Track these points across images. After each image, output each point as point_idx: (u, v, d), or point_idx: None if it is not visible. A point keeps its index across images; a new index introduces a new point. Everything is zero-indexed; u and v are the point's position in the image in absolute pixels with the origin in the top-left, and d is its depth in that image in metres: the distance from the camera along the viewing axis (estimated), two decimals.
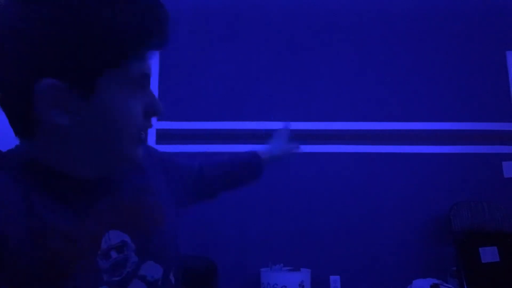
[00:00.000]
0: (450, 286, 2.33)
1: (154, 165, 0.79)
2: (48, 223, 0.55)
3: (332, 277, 2.66)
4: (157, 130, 2.82)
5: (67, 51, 0.53)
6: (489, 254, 2.45)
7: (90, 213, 0.60)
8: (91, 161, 0.62)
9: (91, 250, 0.58)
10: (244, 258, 2.67)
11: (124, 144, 0.61)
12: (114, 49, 0.55)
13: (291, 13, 3.06)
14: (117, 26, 0.54)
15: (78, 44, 0.53)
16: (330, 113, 2.90)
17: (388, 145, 2.85)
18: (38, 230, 0.54)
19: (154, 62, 2.93)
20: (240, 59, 2.98)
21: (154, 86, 2.91)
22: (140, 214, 0.67)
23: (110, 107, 0.57)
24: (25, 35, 0.52)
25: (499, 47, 3.00)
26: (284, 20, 3.05)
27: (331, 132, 2.87)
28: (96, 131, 0.58)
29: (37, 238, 0.54)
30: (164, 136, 2.80)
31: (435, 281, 2.32)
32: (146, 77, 0.60)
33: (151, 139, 2.80)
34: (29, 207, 0.55)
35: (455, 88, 2.94)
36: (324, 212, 2.76)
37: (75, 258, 0.56)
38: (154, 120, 0.65)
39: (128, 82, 0.58)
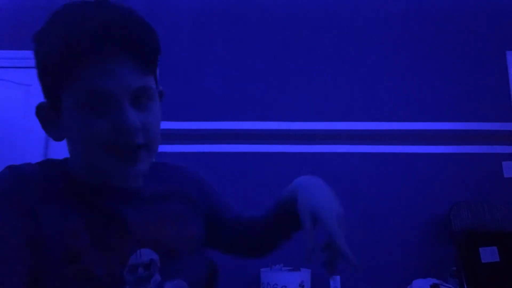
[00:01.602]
0: (450, 286, 2.33)
1: (187, 186, 0.78)
2: (80, 227, 0.59)
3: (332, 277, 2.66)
4: None
5: (40, 78, 0.64)
6: (489, 254, 2.45)
7: (122, 226, 0.63)
8: (88, 172, 0.65)
9: (119, 262, 0.60)
10: None
11: (95, 160, 0.61)
12: (55, 73, 0.60)
13: (291, 13, 3.06)
14: (52, 54, 0.59)
15: (41, 72, 0.63)
16: (330, 113, 2.90)
17: (388, 145, 2.85)
18: (69, 231, 0.58)
19: None
20: (240, 59, 2.98)
21: None
22: (172, 236, 0.68)
23: (71, 125, 0.61)
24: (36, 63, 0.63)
25: (499, 47, 3.00)
26: (284, 20, 3.05)
27: (331, 132, 2.87)
28: (73, 148, 0.64)
29: (67, 239, 0.57)
30: (164, 136, 2.79)
31: (435, 281, 2.32)
32: (101, 94, 0.58)
33: None
34: (65, 209, 0.59)
35: (455, 88, 2.94)
36: None
37: (102, 263, 0.58)
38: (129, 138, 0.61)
39: (82, 101, 0.59)
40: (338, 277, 2.66)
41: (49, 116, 0.64)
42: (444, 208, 2.67)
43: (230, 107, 2.89)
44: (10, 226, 0.55)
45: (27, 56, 2.61)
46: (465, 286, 2.36)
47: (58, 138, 0.65)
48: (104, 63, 0.58)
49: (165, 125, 2.81)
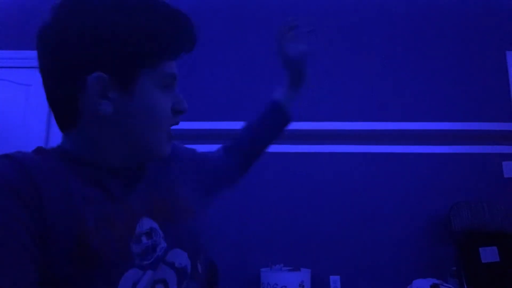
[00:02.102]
0: (450, 286, 2.33)
1: (182, 159, 0.86)
2: (85, 207, 0.60)
3: (332, 277, 2.66)
4: None
5: (114, 49, 0.62)
6: (489, 254, 2.45)
7: (125, 200, 0.65)
8: (123, 152, 0.67)
9: (126, 235, 0.62)
10: (244, 258, 2.67)
11: (157, 137, 0.68)
12: (152, 51, 0.64)
13: (291, 13, 3.05)
14: (154, 31, 0.63)
15: (123, 44, 0.62)
16: (330, 113, 2.90)
17: (388, 145, 2.85)
18: (75, 212, 0.59)
19: None
20: (240, 59, 2.98)
21: None
22: (169, 204, 0.72)
23: (147, 102, 0.65)
24: (82, 34, 0.61)
25: (499, 47, 3.00)
26: (284, 20, 3.04)
27: (331, 132, 2.87)
28: (134, 123, 0.65)
29: (74, 219, 0.58)
30: None
31: (435, 281, 2.32)
32: (175, 77, 0.70)
33: None
34: (68, 189, 0.60)
35: (455, 88, 2.95)
36: (324, 212, 2.76)
37: (108, 241, 0.59)
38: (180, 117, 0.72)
39: (161, 80, 0.66)
40: (338, 277, 2.66)
41: (105, 89, 0.62)
42: (444, 208, 2.67)
43: (230, 107, 2.89)
44: (16, 219, 0.54)
45: (27, 56, 2.65)
46: (465, 286, 2.36)
47: (108, 111, 0.63)
48: (181, 52, 0.70)
49: None
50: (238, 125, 2.92)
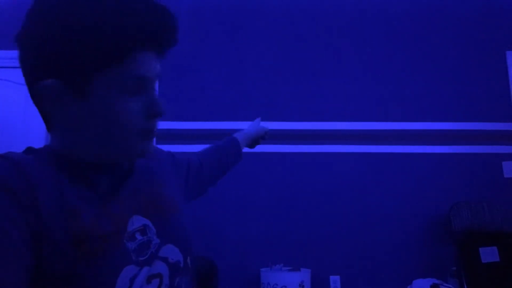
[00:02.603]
0: (450, 286, 2.33)
1: (163, 161, 0.86)
2: (77, 204, 0.60)
3: (332, 277, 2.66)
4: (157, 130, 2.82)
5: (65, 54, 0.59)
6: (489, 254, 2.45)
7: (115, 198, 0.66)
8: (98, 152, 0.66)
9: (118, 232, 0.62)
10: (244, 258, 2.67)
11: (124, 141, 0.65)
12: (105, 52, 0.59)
13: (291, 14, 3.06)
14: (103, 34, 0.58)
15: (73, 50, 0.59)
16: (330, 113, 2.90)
17: (388, 145, 2.85)
18: (68, 210, 0.59)
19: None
20: (240, 59, 2.98)
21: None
22: (158, 201, 0.72)
23: (105, 107, 0.62)
24: (35, 41, 0.62)
25: (499, 47, 3.00)
26: (284, 20, 3.05)
27: (331, 132, 2.87)
28: (96, 127, 0.63)
29: (68, 217, 0.58)
30: (164, 136, 2.80)
31: (435, 281, 2.32)
32: (144, 79, 0.63)
33: None
34: (60, 189, 0.60)
35: (455, 88, 2.95)
36: (324, 212, 2.76)
37: (104, 238, 0.59)
38: (157, 120, 0.68)
39: (122, 84, 0.61)
40: (338, 277, 2.66)
41: (61, 97, 0.61)
42: (444, 208, 2.67)
43: (230, 107, 2.89)
44: (10, 219, 0.54)
45: None
46: (465, 286, 2.36)
47: (65, 121, 0.63)
48: (154, 51, 0.64)
49: (165, 125, 2.83)
50: (238, 125, 2.94)
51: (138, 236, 0.64)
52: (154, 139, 0.80)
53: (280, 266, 2.55)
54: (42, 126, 2.66)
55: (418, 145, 2.85)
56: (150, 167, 0.79)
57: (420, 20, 3.05)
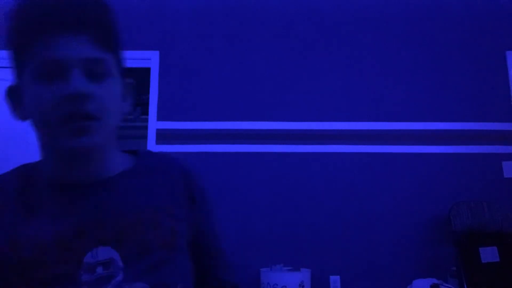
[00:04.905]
0: (450, 286, 2.33)
1: (173, 180, 0.73)
2: (24, 230, 0.60)
3: (332, 277, 2.66)
4: (157, 130, 2.83)
5: (9, 57, 0.65)
6: (489, 254, 2.45)
7: (73, 223, 0.61)
8: (45, 149, 0.66)
9: (67, 261, 0.59)
10: (244, 258, 2.67)
11: (49, 131, 0.62)
12: (15, 46, 0.63)
13: (291, 14, 3.06)
14: (13, 29, 0.62)
15: (8, 51, 0.64)
16: (330, 113, 2.90)
17: (388, 145, 2.85)
18: (14, 237, 0.59)
19: (154, 62, 2.93)
20: (240, 59, 2.98)
21: (154, 86, 2.91)
22: (140, 231, 0.63)
23: (28, 98, 0.62)
24: None
25: (499, 47, 3.00)
26: (284, 21, 3.05)
27: (331, 132, 2.87)
28: (32, 120, 0.63)
29: (13, 245, 0.58)
30: (164, 136, 2.80)
31: (435, 281, 2.32)
32: (52, 63, 0.60)
33: (151, 139, 2.80)
34: (11, 213, 0.61)
35: (455, 88, 2.95)
36: (324, 212, 2.76)
37: (52, 268, 0.57)
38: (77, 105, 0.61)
39: (37, 69, 0.60)
40: (338, 277, 2.66)
41: (16, 95, 0.65)
42: (444, 208, 2.67)
43: (230, 107, 2.89)
44: None
45: None
46: (465, 286, 2.36)
47: (22, 117, 0.65)
48: (57, 35, 0.60)
49: (166, 125, 2.83)
50: (238, 125, 2.94)
51: (99, 270, 0.59)
52: (154, 140, 0.75)
53: (280, 266, 2.55)
54: None
55: (418, 145, 2.85)
56: (146, 185, 0.69)
57: (420, 20, 3.05)
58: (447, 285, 2.32)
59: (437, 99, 2.93)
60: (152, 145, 2.78)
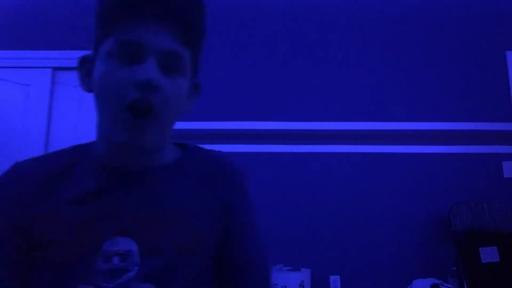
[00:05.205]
0: (450, 286, 2.33)
1: (215, 183, 0.69)
2: (48, 209, 0.60)
3: (332, 277, 2.66)
4: None
5: (94, 29, 0.65)
6: (489, 254, 2.45)
7: (98, 207, 0.61)
8: (102, 133, 0.65)
9: (85, 245, 0.58)
10: None
11: (113, 115, 0.59)
12: (101, 21, 0.63)
13: (291, 14, 3.06)
14: (98, 5, 0.63)
15: (95, 21, 0.64)
16: (330, 113, 2.90)
17: (388, 145, 2.85)
18: (35, 216, 0.60)
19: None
20: (240, 59, 2.98)
21: None
22: (160, 229, 0.60)
23: (98, 76, 0.61)
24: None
25: (499, 47, 3.00)
26: (284, 20, 3.05)
27: (331, 132, 2.87)
28: (96, 101, 0.63)
29: (29, 225, 0.59)
30: None
31: (435, 281, 2.32)
32: (131, 44, 0.59)
33: None
34: (44, 192, 0.61)
35: (455, 88, 2.95)
36: (324, 212, 2.76)
37: (61, 247, 0.57)
38: (148, 94, 0.59)
39: (115, 49, 0.60)
40: (338, 277, 2.66)
41: (87, 67, 0.66)
42: (444, 208, 2.67)
43: (230, 107, 2.89)
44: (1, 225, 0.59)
45: (27, 56, 2.64)
46: (465, 286, 2.36)
47: (87, 89, 0.66)
48: (142, 20, 0.60)
49: None
50: (238, 125, 2.94)
51: (115, 261, 0.57)
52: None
53: (280, 266, 2.55)
54: (42, 126, 2.66)
55: (418, 145, 2.85)
56: (184, 183, 0.66)
57: (420, 20, 3.05)
58: (447, 285, 2.32)
59: (437, 99, 2.93)
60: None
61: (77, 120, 2.86)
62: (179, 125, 2.85)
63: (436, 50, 3.00)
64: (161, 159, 0.67)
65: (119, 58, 0.59)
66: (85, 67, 0.66)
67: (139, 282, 0.56)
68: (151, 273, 0.57)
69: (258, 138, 2.82)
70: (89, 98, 2.89)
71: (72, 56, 2.91)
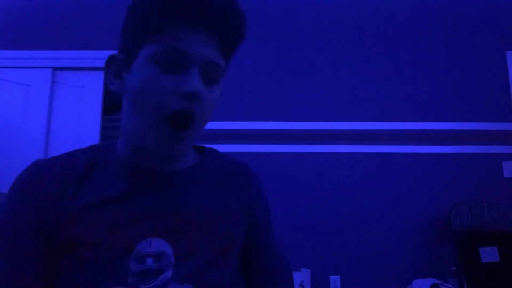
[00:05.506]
0: (450, 286, 2.33)
1: (237, 186, 0.72)
2: (82, 208, 0.59)
3: (332, 277, 2.66)
4: None
5: (124, 28, 0.63)
6: (489, 254, 2.45)
7: (131, 208, 0.61)
8: (136, 137, 0.63)
9: (121, 249, 0.57)
10: None
11: (152, 123, 0.59)
12: (144, 25, 0.60)
13: (291, 13, 3.06)
14: (148, 6, 0.60)
15: (128, 22, 0.62)
16: (330, 113, 2.90)
17: (388, 145, 2.85)
18: (69, 215, 0.58)
19: None
20: (239, 59, 2.98)
21: None
22: (192, 231, 0.62)
23: (139, 81, 0.60)
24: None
25: (499, 47, 3.00)
26: (284, 20, 3.05)
27: (331, 132, 2.87)
28: (132, 105, 0.61)
29: (64, 223, 0.58)
30: None
31: (435, 281, 2.32)
32: (178, 53, 0.59)
33: None
34: (73, 191, 0.60)
35: (455, 88, 2.95)
36: (324, 212, 2.76)
37: (94, 247, 0.57)
38: (191, 104, 0.60)
39: (160, 55, 0.59)
40: (338, 277, 2.66)
41: (119, 68, 0.64)
42: (444, 208, 2.67)
43: (229, 107, 2.89)
44: (21, 216, 0.58)
45: (27, 56, 2.65)
46: (465, 286, 2.36)
47: (118, 90, 0.65)
48: (191, 28, 0.59)
49: None
50: (238, 125, 2.94)
51: (149, 262, 0.57)
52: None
53: None
54: (42, 126, 2.67)
55: (418, 145, 2.85)
56: (209, 186, 0.68)
57: (420, 20, 3.05)
58: (447, 285, 2.32)
59: (437, 99, 2.93)
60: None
61: (77, 120, 2.85)
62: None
63: (436, 50, 3.00)
64: (184, 162, 0.69)
65: (162, 65, 0.59)
66: (113, 68, 0.65)
67: (178, 283, 0.57)
68: (189, 274, 0.58)
69: (258, 138, 2.82)
70: (89, 98, 2.89)
71: (72, 56, 2.91)
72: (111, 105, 3.25)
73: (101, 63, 3.32)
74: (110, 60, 0.65)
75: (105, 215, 0.59)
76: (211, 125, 3.22)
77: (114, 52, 0.67)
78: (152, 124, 0.59)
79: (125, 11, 0.63)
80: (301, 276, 2.43)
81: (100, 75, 2.91)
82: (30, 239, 0.57)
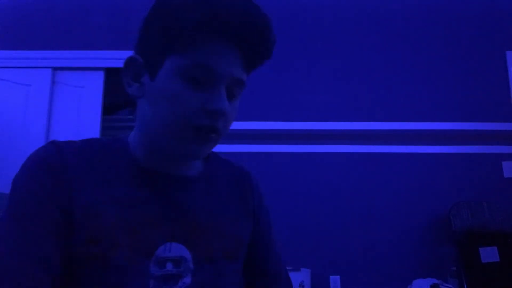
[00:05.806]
0: (450, 286, 2.33)
1: (242, 191, 0.76)
2: (103, 204, 0.58)
3: (332, 277, 2.66)
4: None
5: (148, 33, 0.62)
6: (489, 254, 2.45)
7: (150, 212, 0.60)
8: (155, 143, 0.63)
9: (142, 252, 0.57)
10: None
11: (175, 132, 0.60)
12: (172, 36, 0.59)
13: (291, 13, 3.06)
14: (176, 16, 0.58)
15: (154, 28, 0.61)
16: (330, 113, 2.90)
17: (388, 145, 2.85)
18: (92, 206, 0.57)
19: None
20: None
21: None
22: (207, 237, 0.63)
23: (164, 89, 0.59)
24: (142, 21, 0.65)
25: (499, 47, 3.00)
26: (284, 20, 3.05)
27: (331, 132, 2.87)
28: (151, 110, 0.61)
29: (88, 214, 0.56)
30: None
31: (435, 281, 2.32)
32: (208, 69, 0.59)
33: None
34: (95, 184, 0.59)
35: (455, 88, 2.94)
36: (324, 212, 2.76)
37: (124, 252, 0.56)
38: (216, 121, 0.61)
39: (188, 70, 0.58)
40: (338, 277, 2.66)
41: (139, 72, 0.63)
42: (444, 208, 2.67)
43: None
44: (44, 195, 0.56)
45: (27, 56, 2.65)
46: (465, 286, 2.36)
47: (136, 94, 0.64)
48: (222, 45, 0.59)
49: None
50: (238, 125, 2.93)
51: (169, 266, 0.58)
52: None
53: None
54: (42, 126, 2.66)
55: (418, 145, 2.85)
56: (217, 191, 0.70)
57: (420, 20, 3.05)
58: (447, 285, 2.32)
59: (437, 99, 2.93)
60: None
61: (77, 120, 2.85)
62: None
63: (436, 50, 3.00)
64: (194, 167, 0.71)
65: (189, 79, 0.59)
66: (131, 69, 0.64)
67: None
68: (207, 280, 0.60)
69: (258, 138, 2.82)
70: (89, 98, 2.89)
71: (72, 56, 2.91)
72: (111, 105, 3.25)
73: (101, 63, 3.31)
74: (129, 62, 0.64)
75: (124, 215, 0.58)
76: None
77: (131, 53, 0.66)
78: (175, 132, 0.60)
79: (152, 13, 0.62)
80: (301, 276, 2.43)
81: (100, 75, 2.91)
82: (54, 215, 0.55)
